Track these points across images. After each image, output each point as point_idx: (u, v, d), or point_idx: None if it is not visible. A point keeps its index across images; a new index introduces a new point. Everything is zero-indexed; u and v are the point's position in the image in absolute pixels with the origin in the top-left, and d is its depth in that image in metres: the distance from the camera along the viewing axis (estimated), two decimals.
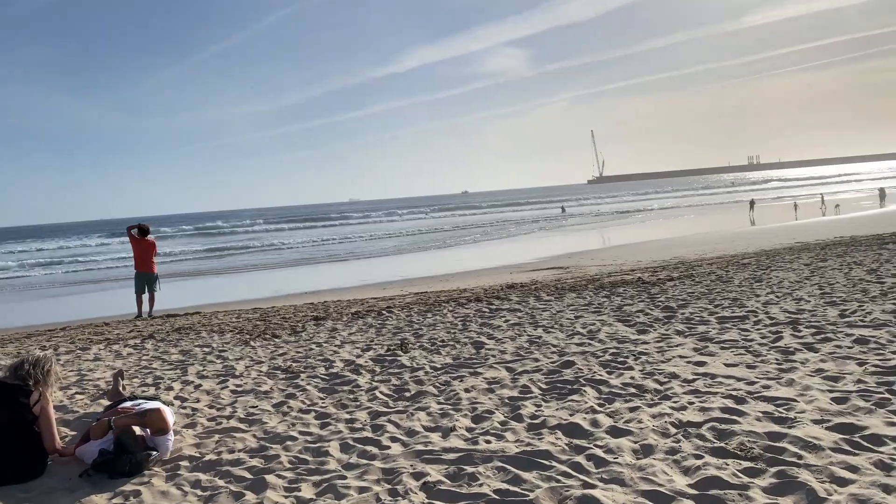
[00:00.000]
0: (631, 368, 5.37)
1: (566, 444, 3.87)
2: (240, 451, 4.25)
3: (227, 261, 33.39)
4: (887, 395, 4.22)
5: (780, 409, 4.14)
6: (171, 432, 4.34)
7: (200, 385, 6.08)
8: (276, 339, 8.19)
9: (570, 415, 4.38)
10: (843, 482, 3.15)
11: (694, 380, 4.92)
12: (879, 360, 5.00)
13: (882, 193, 38.70)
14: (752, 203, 38.46)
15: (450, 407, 4.76)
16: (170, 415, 4.44)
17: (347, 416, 4.76)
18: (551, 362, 5.77)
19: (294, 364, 6.58)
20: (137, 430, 4.14)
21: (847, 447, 3.52)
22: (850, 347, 5.44)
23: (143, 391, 5.99)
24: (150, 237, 13.93)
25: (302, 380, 5.93)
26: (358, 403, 5.06)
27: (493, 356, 6.20)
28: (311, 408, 5.06)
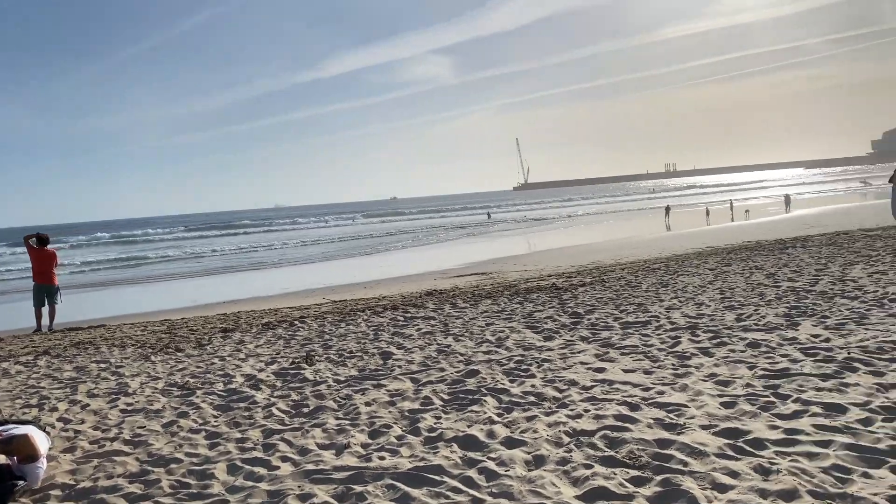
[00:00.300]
0: (533, 376, 5.37)
1: (460, 458, 3.80)
2: (119, 476, 3.99)
3: (142, 270, 32.11)
4: (772, 399, 4.36)
5: (671, 416, 4.20)
6: (43, 459, 4.04)
7: (88, 405, 5.73)
8: (179, 353, 7.84)
9: (468, 426, 4.32)
10: (724, 488, 3.20)
11: (592, 386, 4.96)
12: (768, 363, 5.18)
13: (787, 199, 40.80)
14: (667, 209, 39.84)
15: (347, 422, 4.63)
16: (41, 440, 4.13)
17: (239, 435, 4.55)
18: (456, 371, 5.72)
19: (192, 380, 6.30)
20: (2, 458, 3.84)
21: (730, 452, 3.59)
22: (742, 351, 5.61)
23: (25, 413, 5.60)
24: (51, 247, 13.17)
25: (197, 396, 5.67)
26: (252, 421, 4.86)
27: (400, 367, 6.10)
28: (203, 427, 4.82)
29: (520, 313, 8.49)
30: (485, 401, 4.81)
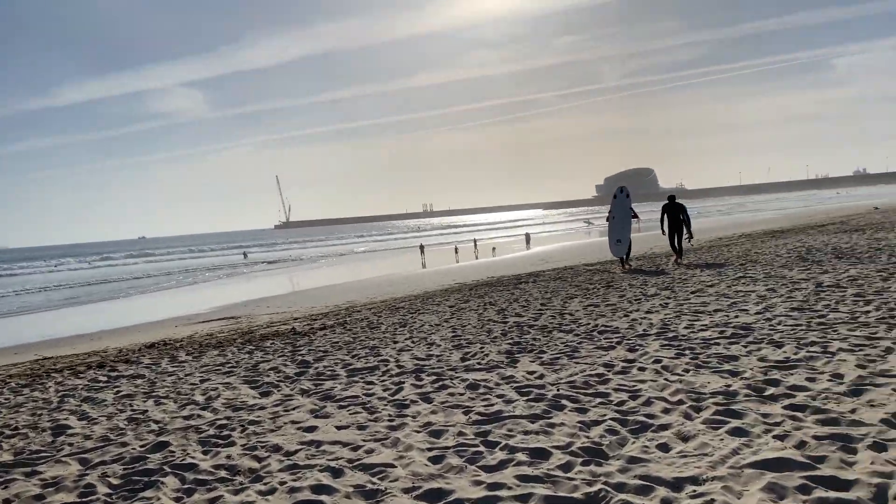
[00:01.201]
0: (233, 444, 4.66)
1: None
2: None
3: None
4: (481, 448, 4.14)
5: (374, 480, 3.77)
6: None
7: None
8: None
9: None
10: None
11: (297, 451, 4.39)
12: (484, 405, 5.02)
13: (528, 237, 44.49)
14: (421, 248, 41.25)
15: None
16: None
17: None
18: (142, 445, 4.80)
19: None
20: None
21: None
22: (461, 394, 5.43)
23: None
24: None
25: None
26: None
27: (72, 445, 5.00)
28: None
29: (244, 365, 7.68)
30: (163, 483, 3.99)
